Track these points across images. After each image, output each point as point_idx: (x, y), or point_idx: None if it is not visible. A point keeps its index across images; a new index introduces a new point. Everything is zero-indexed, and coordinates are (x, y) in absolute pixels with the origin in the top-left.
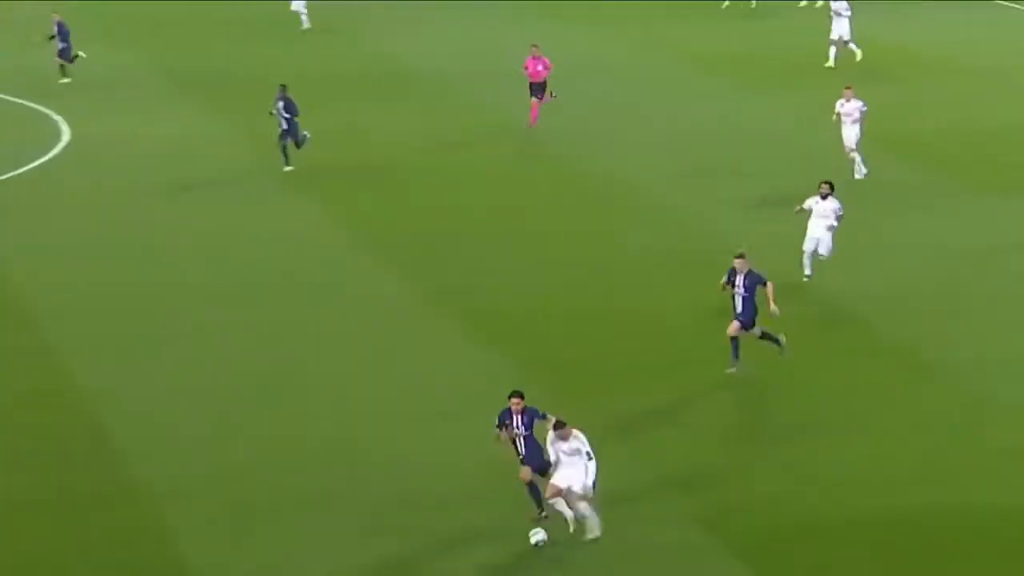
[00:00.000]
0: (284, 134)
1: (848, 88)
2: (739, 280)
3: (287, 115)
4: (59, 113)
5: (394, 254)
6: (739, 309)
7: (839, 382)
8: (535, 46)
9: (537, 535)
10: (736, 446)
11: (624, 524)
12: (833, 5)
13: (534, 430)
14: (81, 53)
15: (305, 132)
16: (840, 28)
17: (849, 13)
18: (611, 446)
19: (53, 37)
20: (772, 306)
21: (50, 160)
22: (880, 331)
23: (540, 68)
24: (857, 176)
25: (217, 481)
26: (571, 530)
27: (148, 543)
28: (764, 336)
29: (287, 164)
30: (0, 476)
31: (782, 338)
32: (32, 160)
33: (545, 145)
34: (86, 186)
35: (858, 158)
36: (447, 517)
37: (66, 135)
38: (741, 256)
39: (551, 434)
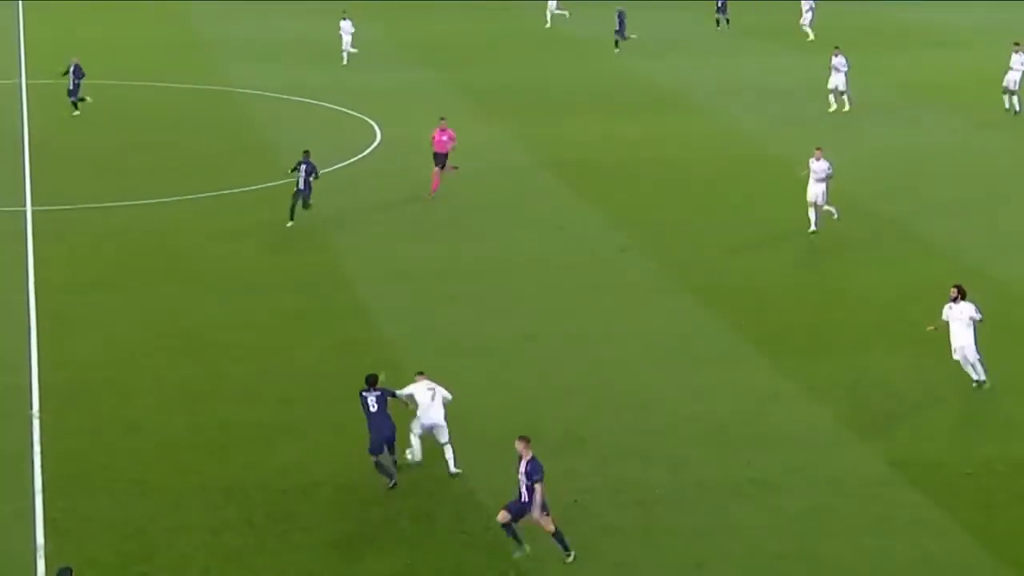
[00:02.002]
0: (298, 193)
1: (818, 149)
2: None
3: (307, 176)
4: (373, 119)
5: (643, 237)
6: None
7: None
8: (443, 119)
9: (412, 453)
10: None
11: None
12: (833, 60)
13: (387, 406)
14: (88, 98)
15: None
16: (836, 80)
17: (846, 68)
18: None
19: (66, 74)
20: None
21: (366, 156)
22: None
23: (445, 139)
24: (810, 228)
25: (490, 419)
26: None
27: (429, 461)
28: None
29: (291, 220)
30: (314, 411)
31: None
32: (353, 155)
33: (769, 148)
34: (393, 176)
35: (827, 208)
36: (674, 442)
37: (378, 136)
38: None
39: (413, 385)
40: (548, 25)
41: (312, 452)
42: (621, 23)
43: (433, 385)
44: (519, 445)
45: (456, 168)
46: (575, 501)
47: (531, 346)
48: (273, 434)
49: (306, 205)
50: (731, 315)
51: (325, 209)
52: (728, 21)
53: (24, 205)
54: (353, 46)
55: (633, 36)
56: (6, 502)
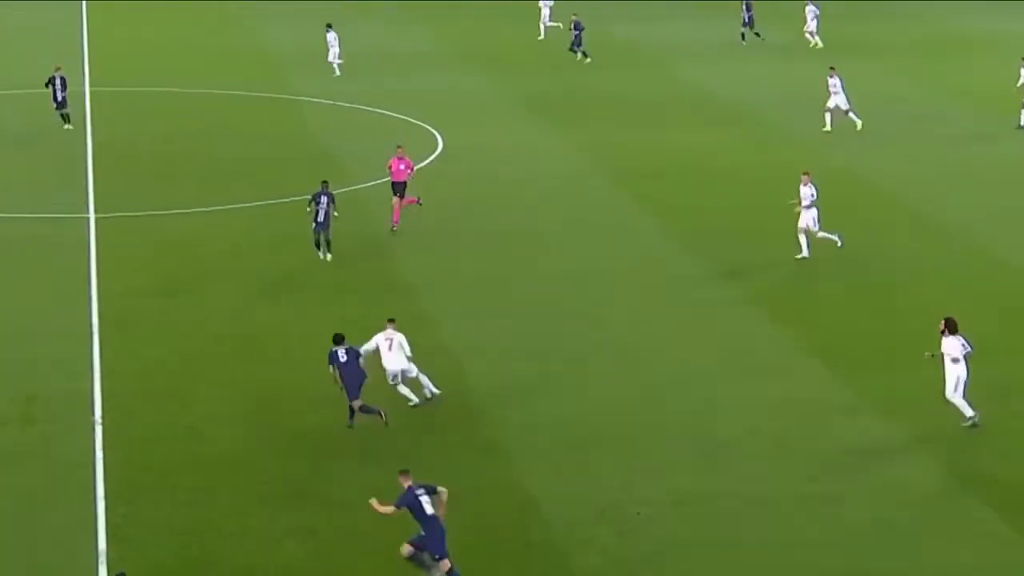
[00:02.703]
0: (319, 226)
1: (805, 174)
2: None
3: (328, 208)
4: (435, 127)
5: (703, 247)
6: None
7: None
8: (400, 147)
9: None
10: None
11: None
12: (829, 81)
13: (357, 360)
14: (68, 126)
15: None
16: (836, 100)
17: (840, 87)
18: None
19: (49, 84)
20: None
21: (429, 162)
22: None
23: (403, 167)
24: (800, 254)
25: (549, 428)
26: (415, 401)
27: (491, 469)
28: None
29: (327, 252)
30: (375, 419)
31: None
32: (416, 163)
33: (829, 154)
34: (455, 184)
35: (822, 235)
36: (737, 455)
37: (440, 144)
38: None
39: (375, 336)
40: (542, 37)
41: (373, 460)
42: (577, 33)
43: (391, 335)
44: (399, 479)
45: (419, 202)
46: (638, 514)
47: (590, 355)
48: (335, 442)
49: (328, 246)
50: (794, 326)
51: (386, 215)
52: (758, 34)
53: (87, 212)
54: (340, 57)
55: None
56: (69, 508)
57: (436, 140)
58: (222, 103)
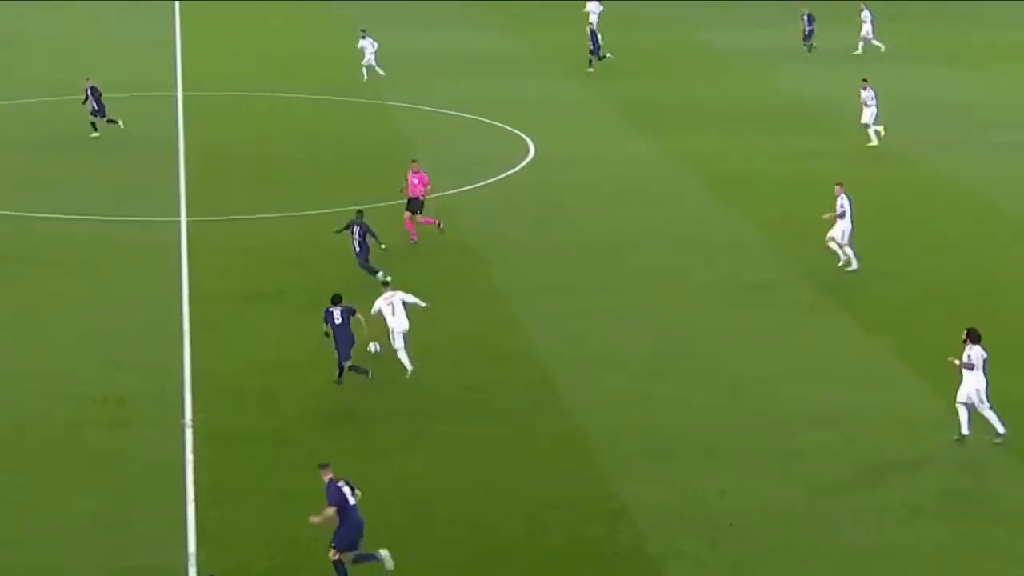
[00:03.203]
0: (359, 255)
1: (839, 184)
2: None
3: (363, 238)
4: (527, 134)
5: (793, 254)
6: None
7: None
8: (414, 161)
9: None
10: None
11: None
12: (862, 95)
13: (350, 322)
14: (120, 123)
15: (380, 270)
16: (868, 114)
17: (875, 102)
18: None
19: (86, 101)
20: None
21: (519, 170)
22: None
23: (416, 182)
24: (845, 266)
25: (632, 434)
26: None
27: (581, 477)
28: None
29: (382, 274)
30: (458, 424)
31: None
32: (507, 170)
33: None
34: (546, 191)
35: (847, 251)
36: (818, 465)
37: (532, 151)
38: None
39: (376, 301)
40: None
41: (452, 462)
42: (595, 41)
43: (391, 298)
44: (321, 473)
45: (440, 227)
46: (730, 524)
47: (677, 361)
48: (415, 444)
49: (371, 270)
50: (887, 335)
51: (477, 223)
52: (811, 47)
53: (179, 216)
54: (379, 65)
55: (608, 55)
56: (160, 510)
57: (528, 146)
58: (314, 107)
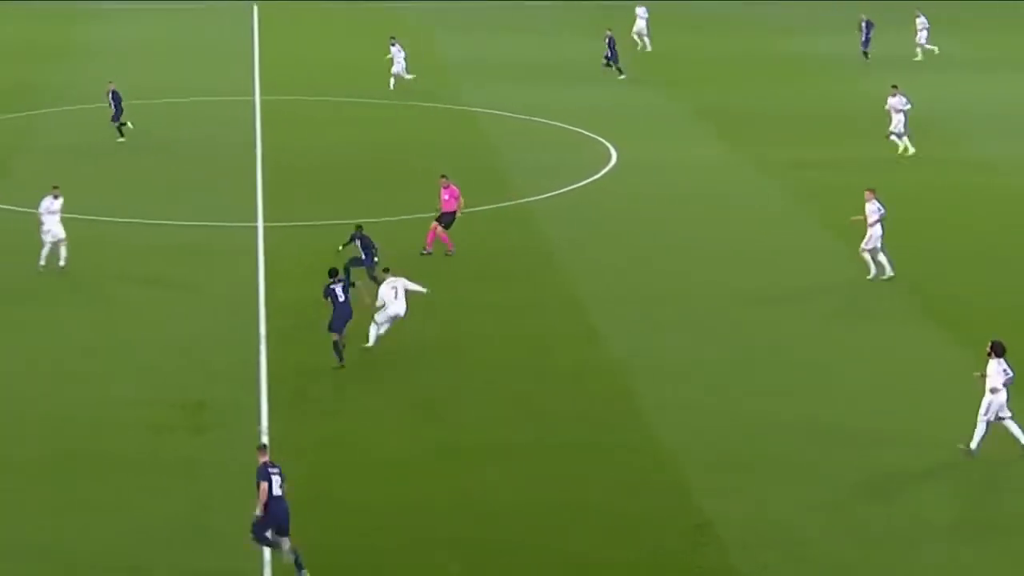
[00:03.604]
0: (367, 267)
1: (869, 190)
2: None
3: (366, 252)
4: (609, 140)
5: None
6: None
7: None
8: (443, 176)
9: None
10: None
11: None
12: (890, 100)
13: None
14: (130, 124)
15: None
16: (897, 121)
17: (907, 107)
18: None
19: (110, 104)
20: None
21: (601, 177)
22: None
23: (447, 198)
24: (877, 276)
25: (713, 446)
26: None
27: (663, 492)
28: None
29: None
30: (530, 433)
31: None
32: (588, 176)
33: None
34: (628, 199)
35: (880, 259)
36: (904, 481)
37: (614, 158)
38: None
39: (382, 286)
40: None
41: (529, 472)
42: (612, 48)
43: (395, 283)
44: (257, 455)
45: (451, 251)
46: (814, 539)
47: (762, 372)
48: (492, 453)
49: (376, 280)
50: (980, 347)
51: (556, 230)
52: (866, 54)
53: (256, 221)
54: (408, 72)
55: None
56: (237, 515)
57: (610, 153)
58: (394, 113)
